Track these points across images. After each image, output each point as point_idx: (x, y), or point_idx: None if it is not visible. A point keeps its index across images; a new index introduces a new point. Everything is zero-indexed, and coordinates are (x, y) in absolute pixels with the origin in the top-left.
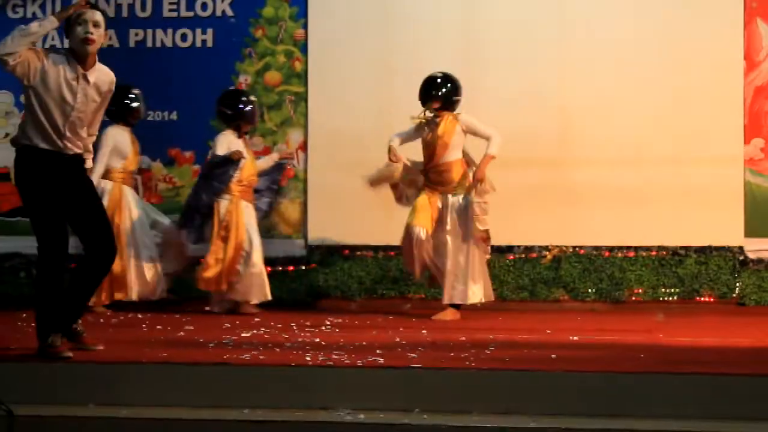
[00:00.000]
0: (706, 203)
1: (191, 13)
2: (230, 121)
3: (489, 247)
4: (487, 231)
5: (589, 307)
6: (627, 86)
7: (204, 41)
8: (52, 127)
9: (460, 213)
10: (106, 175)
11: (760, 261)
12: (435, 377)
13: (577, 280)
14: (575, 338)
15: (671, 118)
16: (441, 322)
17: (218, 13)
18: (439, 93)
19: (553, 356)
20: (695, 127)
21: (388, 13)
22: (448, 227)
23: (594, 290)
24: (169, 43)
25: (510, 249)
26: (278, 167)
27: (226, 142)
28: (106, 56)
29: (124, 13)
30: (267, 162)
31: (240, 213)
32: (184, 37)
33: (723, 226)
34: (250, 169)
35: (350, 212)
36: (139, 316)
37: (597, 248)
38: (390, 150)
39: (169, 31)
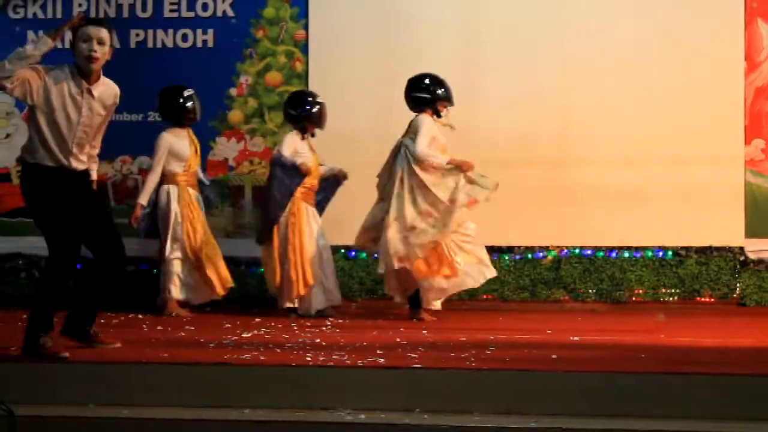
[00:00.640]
0: (707, 204)
1: (192, 14)
2: (295, 121)
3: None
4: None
5: (589, 307)
6: (627, 86)
7: (205, 42)
8: (58, 145)
9: None
10: (170, 179)
11: (760, 261)
12: (436, 377)
13: (578, 281)
14: (576, 338)
15: (672, 119)
16: (439, 323)
17: (219, 13)
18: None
19: (554, 356)
20: (696, 128)
21: (389, 14)
22: None
23: (594, 291)
24: (169, 44)
25: (510, 249)
26: (336, 180)
27: (292, 144)
28: None
29: (125, 14)
30: (330, 170)
31: (302, 216)
32: (185, 38)
33: (723, 227)
34: (314, 171)
35: (350, 213)
36: (140, 316)
37: (597, 249)
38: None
39: (170, 31)
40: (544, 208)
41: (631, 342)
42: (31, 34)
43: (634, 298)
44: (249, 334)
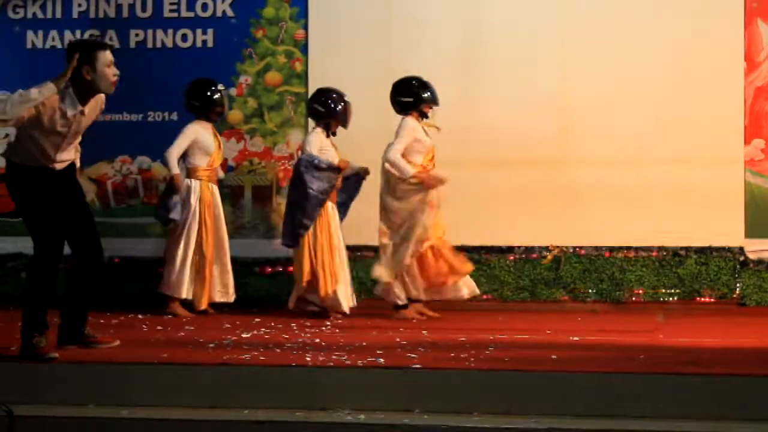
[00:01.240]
0: (707, 204)
1: (192, 14)
2: (320, 118)
3: None
4: None
5: (589, 307)
6: (627, 87)
7: (204, 42)
8: (42, 153)
9: None
10: (193, 173)
11: (760, 262)
12: (435, 378)
13: (578, 281)
14: (576, 339)
15: (671, 119)
16: (439, 323)
17: (219, 13)
18: None
19: (554, 357)
20: (695, 128)
21: (389, 14)
22: None
23: (594, 291)
24: (169, 44)
25: (510, 249)
26: (359, 178)
27: (318, 141)
28: None
29: (125, 14)
30: (351, 169)
31: (328, 215)
32: (184, 38)
33: (723, 227)
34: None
35: (350, 212)
36: (140, 316)
37: (597, 249)
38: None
39: (170, 31)
40: (544, 208)
41: (631, 342)
42: (30, 35)
43: (633, 298)
44: (249, 335)
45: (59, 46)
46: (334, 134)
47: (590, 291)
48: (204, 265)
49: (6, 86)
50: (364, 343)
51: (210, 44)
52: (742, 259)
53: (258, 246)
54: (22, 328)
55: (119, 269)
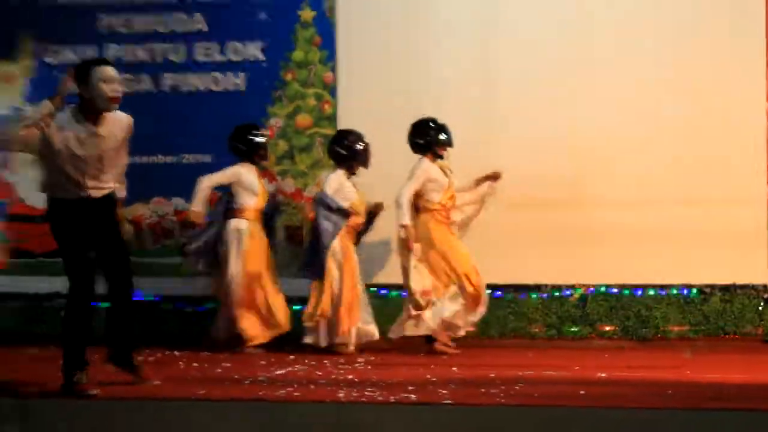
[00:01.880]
0: (730, 242)
1: (224, 58)
2: (342, 161)
3: None
4: None
5: (616, 344)
6: (647, 124)
7: (236, 85)
8: (71, 182)
9: None
10: (241, 213)
11: None
12: (466, 413)
13: (604, 318)
14: (603, 375)
15: (692, 157)
16: (468, 359)
17: (250, 57)
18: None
19: (582, 392)
20: (716, 166)
21: (415, 58)
22: None
23: (621, 328)
24: (202, 87)
25: (538, 288)
26: (373, 213)
27: (336, 182)
28: (141, 101)
29: (158, 58)
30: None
31: (348, 254)
32: (216, 81)
33: (747, 265)
34: (359, 209)
35: (380, 252)
36: (176, 353)
37: (623, 287)
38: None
39: (202, 75)
40: (568, 247)
41: (658, 378)
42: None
43: (660, 335)
44: (283, 371)
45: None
46: (354, 174)
47: (617, 328)
48: (253, 305)
49: None
50: (396, 380)
51: (241, 87)
52: (766, 296)
53: (292, 284)
54: (63, 366)
55: (156, 308)
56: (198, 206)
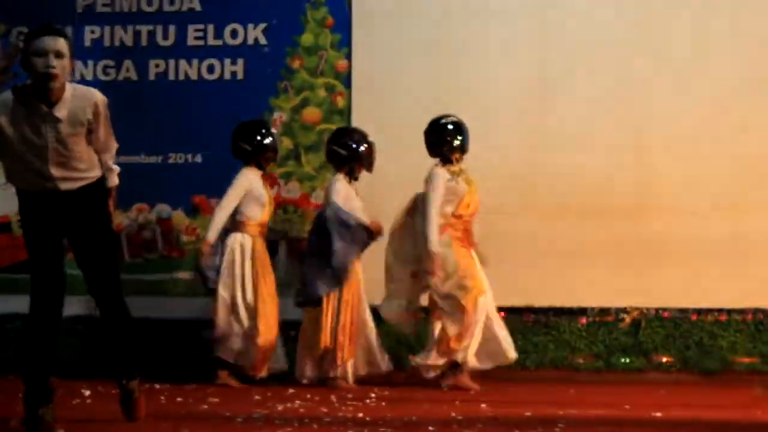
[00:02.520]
0: None
1: (220, 42)
2: (343, 163)
3: None
4: None
5: (674, 378)
6: (719, 125)
7: (234, 73)
8: (34, 173)
9: None
10: (244, 227)
11: None
12: None
13: (660, 348)
14: (658, 414)
15: None
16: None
17: (250, 41)
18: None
19: None
20: None
21: (444, 42)
22: None
23: (679, 359)
24: (194, 76)
25: (582, 311)
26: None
27: (343, 190)
28: (123, 90)
29: (144, 42)
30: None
31: (356, 275)
32: (211, 69)
33: None
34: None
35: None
36: (157, 386)
37: (683, 311)
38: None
39: (195, 61)
40: (622, 263)
41: (724, 419)
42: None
43: (725, 368)
44: (282, 407)
45: None
46: (356, 179)
47: (675, 359)
48: (254, 332)
49: None
50: (414, 418)
51: (240, 76)
52: None
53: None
54: (24, 397)
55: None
56: (213, 239)
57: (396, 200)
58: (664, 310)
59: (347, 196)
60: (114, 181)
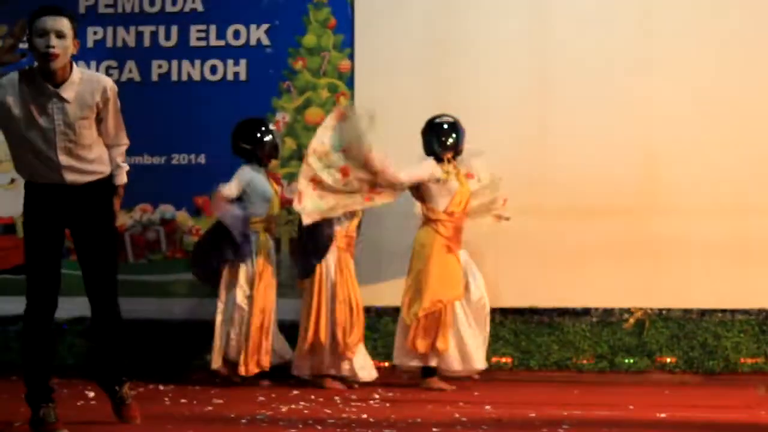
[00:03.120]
0: None
1: (222, 42)
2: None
3: None
4: None
5: (678, 379)
6: (722, 126)
7: (236, 74)
8: (42, 161)
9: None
10: (250, 224)
11: None
12: None
13: (664, 348)
14: (663, 415)
15: None
16: (504, 397)
17: (253, 42)
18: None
19: None
20: None
21: (447, 43)
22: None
23: (684, 360)
24: (197, 77)
25: (586, 312)
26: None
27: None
28: (126, 91)
29: (146, 43)
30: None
31: (348, 269)
32: (213, 70)
33: None
34: (355, 217)
35: (402, 270)
36: (161, 387)
37: (687, 311)
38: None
39: (197, 62)
40: (626, 264)
41: (728, 420)
42: None
43: (730, 369)
44: (286, 409)
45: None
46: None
47: (679, 360)
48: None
49: None
50: (419, 420)
51: (243, 77)
52: None
53: (298, 308)
54: (26, 397)
55: (137, 333)
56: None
57: (401, 201)
58: (668, 310)
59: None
60: (122, 179)
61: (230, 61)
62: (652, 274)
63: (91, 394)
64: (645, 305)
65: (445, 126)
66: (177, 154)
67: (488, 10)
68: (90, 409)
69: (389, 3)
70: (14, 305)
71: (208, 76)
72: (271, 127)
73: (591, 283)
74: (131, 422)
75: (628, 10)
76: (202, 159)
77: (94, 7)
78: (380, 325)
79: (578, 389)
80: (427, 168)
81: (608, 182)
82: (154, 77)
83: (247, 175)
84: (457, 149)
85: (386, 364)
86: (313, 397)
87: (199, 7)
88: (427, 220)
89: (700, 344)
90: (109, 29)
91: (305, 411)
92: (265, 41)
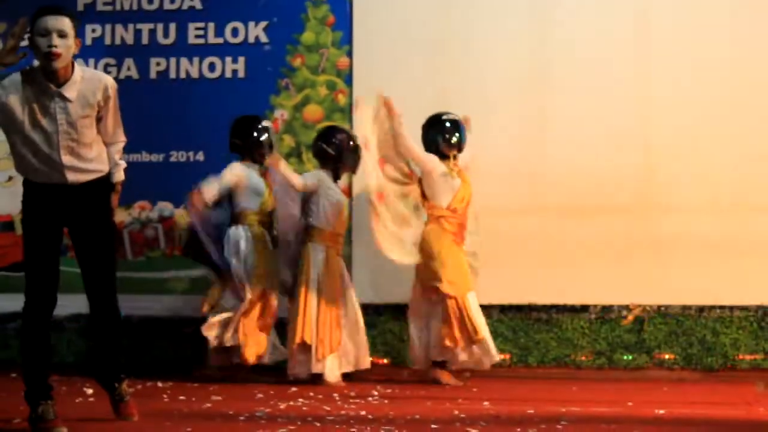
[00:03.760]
0: None
1: (220, 40)
2: (327, 160)
3: None
4: None
5: (676, 375)
6: (721, 122)
7: (235, 71)
8: (44, 161)
9: None
10: (243, 218)
11: None
12: None
13: (663, 345)
14: (661, 412)
15: None
16: (503, 393)
17: (251, 39)
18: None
19: None
20: None
21: (446, 39)
22: None
23: (682, 356)
24: (195, 74)
25: (585, 309)
26: None
27: (323, 181)
28: (124, 89)
29: (144, 40)
30: None
31: (334, 267)
32: (212, 67)
33: None
34: (343, 217)
35: (401, 266)
36: (160, 384)
37: (686, 308)
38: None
39: (196, 60)
40: (624, 261)
41: (726, 416)
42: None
43: (728, 365)
44: (284, 405)
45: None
46: (338, 179)
47: (678, 357)
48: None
49: None
50: (417, 416)
51: (241, 74)
52: None
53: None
54: (25, 394)
55: (137, 330)
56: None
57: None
58: (667, 307)
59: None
60: (120, 176)
61: (228, 59)
62: (650, 271)
63: (90, 391)
64: (643, 302)
65: (449, 124)
66: (175, 152)
67: (487, 7)
68: (88, 406)
69: (388, 0)
70: (12, 302)
71: (207, 74)
72: (266, 124)
73: (589, 280)
74: (129, 419)
75: (628, 7)
76: (200, 156)
77: (92, 4)
78: (379, 322)
79: (577, 386)
80: (431, 157)
81: (607, 180)
82: (153, 75)
83: (237, 170)
84: (460, 147)
85: (385, 361)
86: (311, 394)
87: (198, 5)
88: (432, 218)
89: (698, 341)
90: (108, 27)
91: (304, 408)
92: (264, 38)
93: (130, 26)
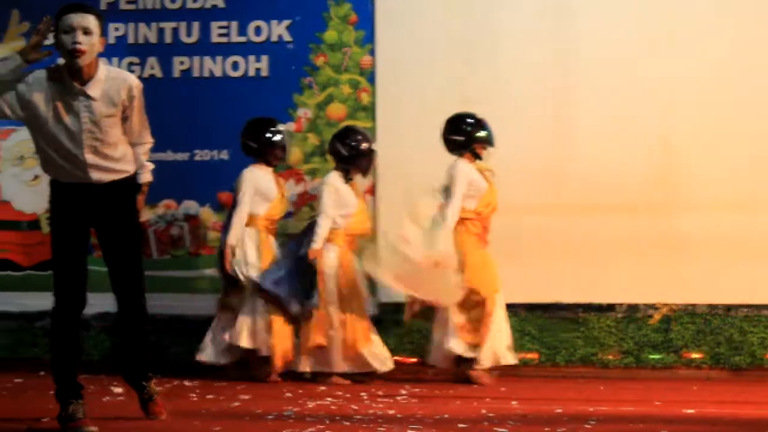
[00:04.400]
0: None
1: (244, 39)
2: (343, 161)
3: None
4: None
5: (704, 375)
6: (744, 118)
7: (258, 70)
8: (68, 159)
9: None
10: (249, 222)
11: None
12: None
13: (690, 344)
14: (690, 411)
15: None
16: (531, 392)
17: (274, 38)
18: None
19: None
20: None
21: (469, 37)
22: None
23: (710, 355)
24: (218, 73)
25: (611, 308)
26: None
27: (333, 192)
28: (148, 88)
29: (168, 39)
30: None
31: (351, 268)
32: (235, 66)
33: None
34: (360, 215)
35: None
36: (187, 383)
37: (713, 307)
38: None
39: (219, 58)
40: (651, 259)
41: (755, 416)
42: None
43: (756, 364)
44: (313, 405)
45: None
46: (350, 180)
47: (706, 356)
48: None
49: None
50: (446, 416)
51: (264, 73)
52: None
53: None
54: (56, 393)
55: (163, 329)
56: (234, 241)
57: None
58: (694, 306)
59: (337, 198)
60: (147, 177)
61: (252, 57)
62: (677, 270)
63: (118, 390)
64: (670, 301)
65: (475, 118)
66: (200, 150)
67: (509, 5)
68: (116, 405)
69: None
70: (40, 301)
71: (230, 72)
72: (281, 127)
73: (616, 279)
74: (158, 418)
75: (650, 6)
76: (224, 155)
77: (115, 3)
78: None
79: (604, 385)
80: (463, 178)
81: (632, 178)
82: (176, 73)
83: (252, 178)
84: (491, 142)
85: (413, 360)
86: (340, 393)
87: (221, 4)
88: (458, 220)
89: (726, 340)
90: (131, 25)
91: (332, 407)
92: (287, 37)
93: (153, 25)
